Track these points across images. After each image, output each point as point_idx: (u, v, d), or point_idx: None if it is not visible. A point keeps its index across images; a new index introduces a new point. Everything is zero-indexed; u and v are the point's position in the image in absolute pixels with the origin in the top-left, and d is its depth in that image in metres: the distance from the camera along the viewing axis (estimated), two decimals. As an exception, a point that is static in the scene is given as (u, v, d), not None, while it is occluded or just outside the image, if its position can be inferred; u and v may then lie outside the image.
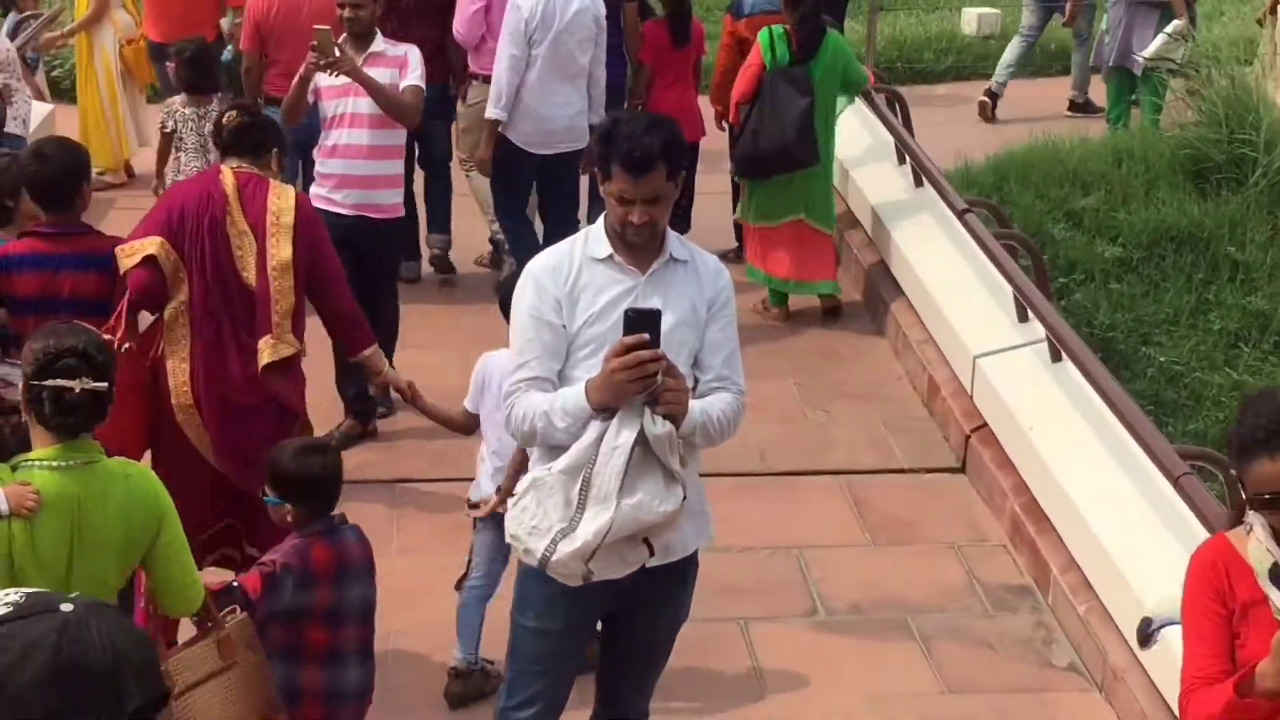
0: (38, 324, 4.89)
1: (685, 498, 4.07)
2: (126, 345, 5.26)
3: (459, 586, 5.54)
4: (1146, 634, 5.08)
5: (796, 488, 7.08)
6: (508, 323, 4.34)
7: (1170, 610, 4.09)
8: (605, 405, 4.01)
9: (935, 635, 5.99)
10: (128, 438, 5.33)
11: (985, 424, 7.11)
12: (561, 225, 8.21)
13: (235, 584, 4.41)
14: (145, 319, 5.55)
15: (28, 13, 11.02)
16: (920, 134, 9.39)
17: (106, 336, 5.11)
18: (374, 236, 7.21)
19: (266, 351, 5.46)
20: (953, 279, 8.09)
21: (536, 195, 8.69)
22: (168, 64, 8.86)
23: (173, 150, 7.98)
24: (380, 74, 7.23)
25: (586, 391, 4.03)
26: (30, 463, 3.81)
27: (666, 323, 4.04)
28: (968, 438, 7.17)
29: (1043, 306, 6.91)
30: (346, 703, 4.61)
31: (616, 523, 3.98)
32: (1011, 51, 12.72)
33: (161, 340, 5.48)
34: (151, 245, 5.38)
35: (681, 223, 8.67)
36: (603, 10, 8.30)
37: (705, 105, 9.46)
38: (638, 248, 4.19)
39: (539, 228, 8.68)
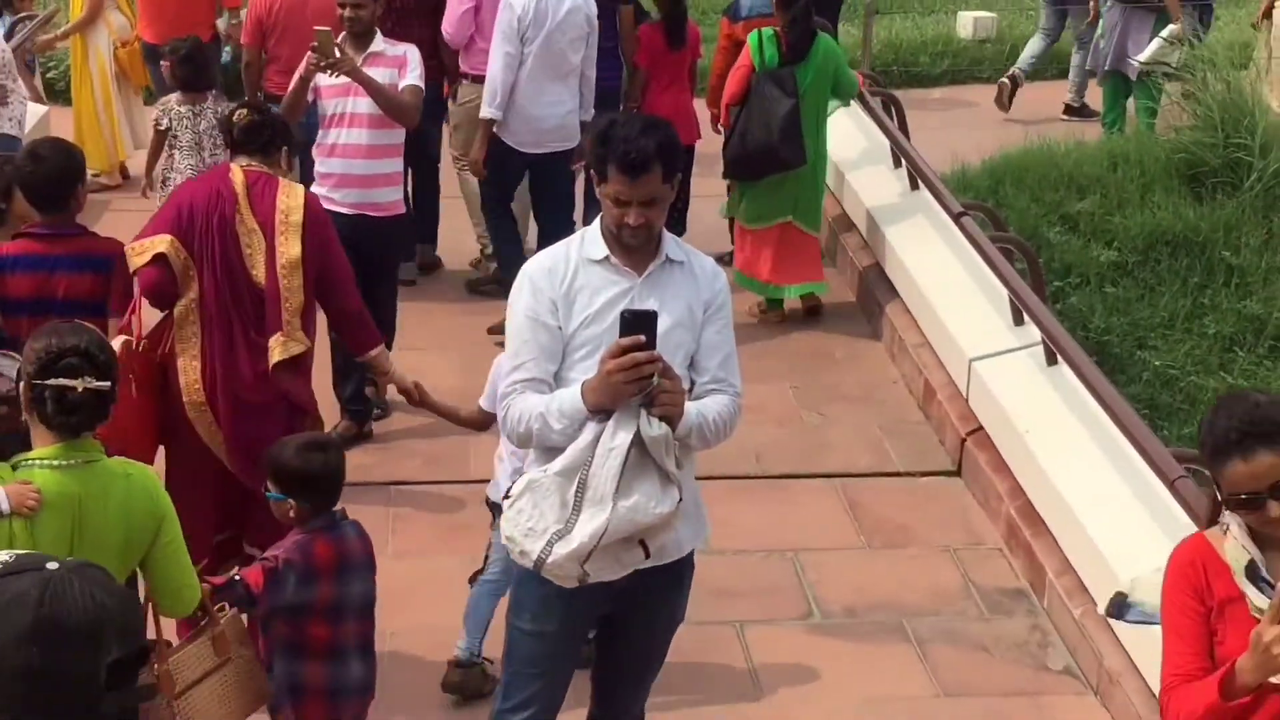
0: (32, 325, 4.89)
1: (681, 499, 4.07)
2: (142, 343, 5.32)
3: (473, 580, 5.54)
4: (1119, 611, 5.01)
5: (792, 490, 7.08)
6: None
7: (1145, 596, 4.09)
8: (601, 407, 4.00)
9: (930, 638, 5.99)
10: (139, 436, 5.39)
11: (981, 427, 7.11)
12: (555, 226, 8.21)
13: (238, 578, 4.42)
14: (151, 316, 5.57)
15: (23, 14, 11.01)
16: (916, 137, 9.41)
17: (124, 336, 5.26)
18: (374, 235, 7.22)
19: (277, 349, 5.47)
20: (948, 282, 8.09)
21: (530, 198, 8.70)
22: (162, 62, 8.88)
23: (167, 148, 8.01)
24: (380, 74, 7.26)
25: (583, 393, 4.02)
26: (31, 462, 3.81)
27: (663, 324, 4.04)
28: (963, 441, 7.17)
29: (1039, 310, 6.91)
30: (349, 697, 4.62)
31: (612, 524, 3.98)
32: (1035, 45, 12.71)
33: (169, 338, 5.49)
34: (161, 243, 5.39)
35: (677, 226, 8.67)
36: (594, 9, 8.32)
37: (701, 108, 9.46)
38: (634, 249, 4.19)
39: (534, 230, 8.69)
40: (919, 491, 7.10)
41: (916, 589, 6.31)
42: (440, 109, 8.93)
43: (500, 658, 4.56)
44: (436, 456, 7.20)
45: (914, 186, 9.05)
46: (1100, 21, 11.99)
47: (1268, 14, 11.07)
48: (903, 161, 9.18)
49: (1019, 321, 7.35)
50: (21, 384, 3.85)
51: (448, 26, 8.62)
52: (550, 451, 4.11)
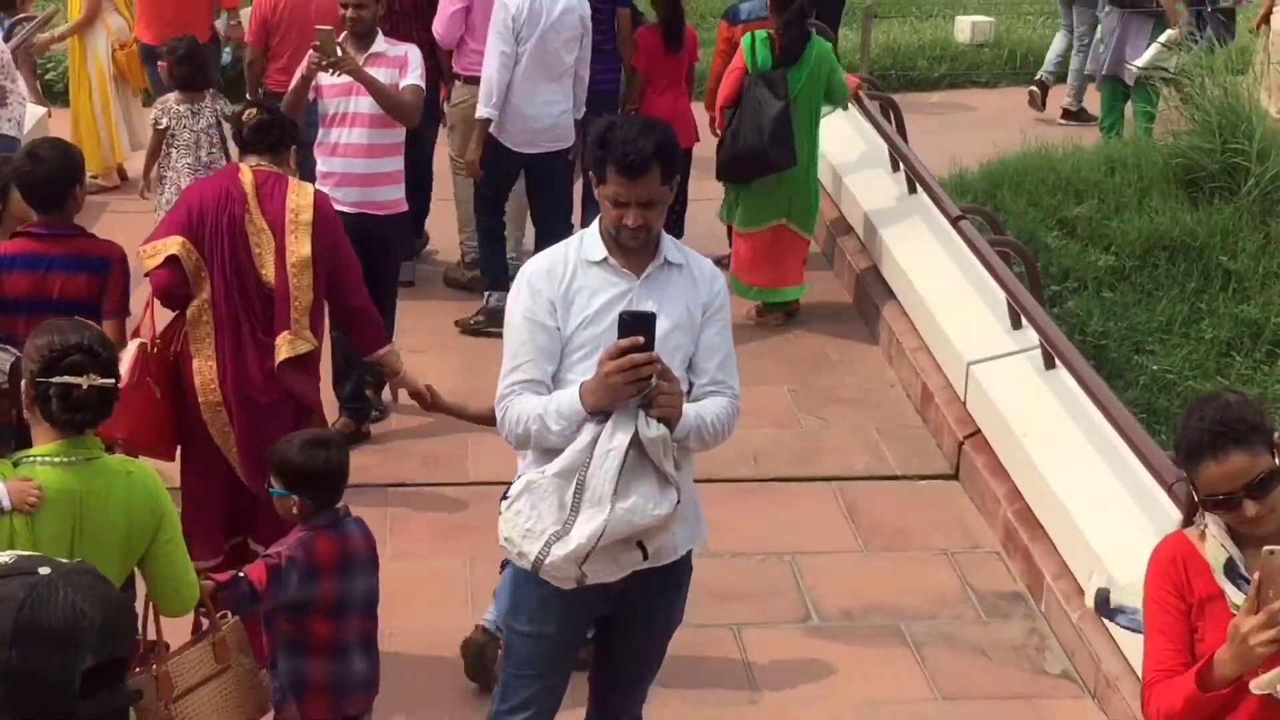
0: (29, 324, 4.89)
1: (680, 501, 4.06)
2: (156, 344, 5.38)
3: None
4: (1104, 608, 4.99)
5: (789, 493, 7.08)
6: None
7: (1136, 601, 4.10)
8: (600, 408, 4.00)
9: (928, 642, 5.99)
10: (156, 436, 5.47)
11: (978, 431, 7.12)
12: (552, 226, 8.26)
13: (241, 575, 4.42)
14: (162, 317, 5.61)
15: (21, 15, 11.01)
16: (914, 141, 9.41)
17: (139, 339, 5.34)
18: (376, 234, 7.23)
19: (285, 347, 5.47)
20: (946, 286, 8.09)
21: (527, 201, 8.71)
22: (160, 62, 8.90)
23: (165, 146, 8.07)
24: (381, 74, 7.29)
25: (581, 394, 4.02)
26: (32, 459, 3.80)
27: (661, 326, 4.04)
28: (961, 444, 7.18)
29: (1037, 313, 6.91)
30: (352, 693, 4.63)
31: (610, 526, 3.98)
32: (1058, 44, 12.72)
33: (181, 338, 5.51)
34: (173, 245, 5.41)
35: (675, 229, 8.68)
36: (588, 10, 8.34)
37: (699, 111, 9.47)
38: (633, 251, 4.19)
39: (531, 232, 8.69)
40: (916, 495, 7.10)
41: (914, 592, 6.31)
42: (436, 110, 8.94)
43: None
44: (435, 458, 7.21)
45: (912, 190, 9.06)
46: (1099, 26, 12.01)
47: (1265, 19, 11.09)
48: (901, 165, 9.19)
49: (1017, 325, 7.35)
50: (23, 381, 3.84)
51: (438, 27, 8.64)
52: (548, 453, 4.11)
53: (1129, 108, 11.56)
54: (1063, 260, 8.54)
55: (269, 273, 5.47)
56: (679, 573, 4.40)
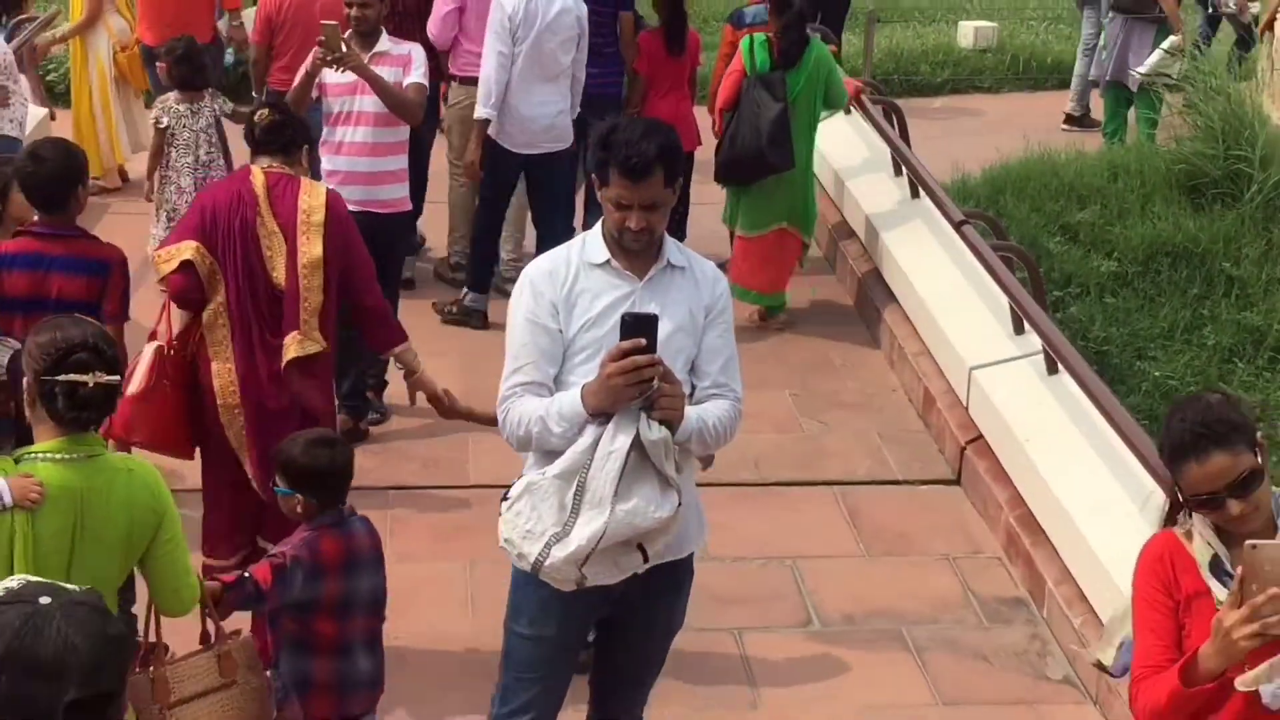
0: (25, 323, 4.90)
1: (681, 504, 4.05)
2: (173, 346, 5.43)
3: None
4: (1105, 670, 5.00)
5: (791, 498, 7.06)
6: None
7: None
8: (601, 410, 3.99)
9: (929, 647, 5.97)
10: (174, 436, 5.53)
11: (980, 436, 7.10)
12: (552, 227, 8.31)
13: (247, 574, 4.42)
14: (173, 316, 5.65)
15: (23, 16, 11.00)
16: (916, 147, 9.39)
17: (156, 342, 5.41)
18: (379, 232, 7.23)
19: (293, 347, 5.47)
20: (948, 291, 8.08)
21: (529, 204, 8.71)
22: (158, 64, 8.93)
23: (165, 146, 8.14)
24: (385, 72, 7.31)
25: (583, 396, 4.01)
26: (34, 455, 3.80)
27: (664, 329, 4.03)
28: (963, 449, 7.16)
29: (1039, 318, 6.89)
30: (357, 692, 4.63)
31: (610, 528, 3.97)
32: (1079, 64, 12.73)
33: (196, 339, 5.52)
34: (188, 250, 5.43)
35: (677, 232, 8.67)
36: (585, 11, 8.35)
37: (702, 115, 9.46)
38: (635, 253, 4.18)
39: (531, 234, 8.69)
40: (918, 500, 7.09)
41: (915, 597, 6.29)
42: (437, 111, 8.96)
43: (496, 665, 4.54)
44: (435, 460, 7.20)
45: (914, 194, 9.05)
46: (1102, 33, 12.02)
47: (1270, 26, 11.08)
48: (903, 169, 9.18)
49: (1019, 330, 7.35)
50: (25, 379, 3.83)
51: (432, 27, 8.66)
52: (550, 454, 4.10)
53: (1132, 113, 11.56)
54: (1065, 266, 8.53)
55: (280, 275, 5.47)
56: (680, 575, 4.39)
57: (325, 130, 7.42)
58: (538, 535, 4.04)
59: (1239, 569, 3.19)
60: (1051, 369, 6.93)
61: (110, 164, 10.63)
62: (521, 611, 4.34)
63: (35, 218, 5.53)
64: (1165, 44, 11.23)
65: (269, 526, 5.39)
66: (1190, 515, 3.49)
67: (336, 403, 7.07)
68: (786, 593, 6.31)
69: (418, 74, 7.40)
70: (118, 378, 3.82)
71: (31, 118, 9.16)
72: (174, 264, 5.43)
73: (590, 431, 4.01)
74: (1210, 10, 12.58)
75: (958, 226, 7.88)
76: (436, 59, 8.76)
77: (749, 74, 8.43)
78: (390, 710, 5.26)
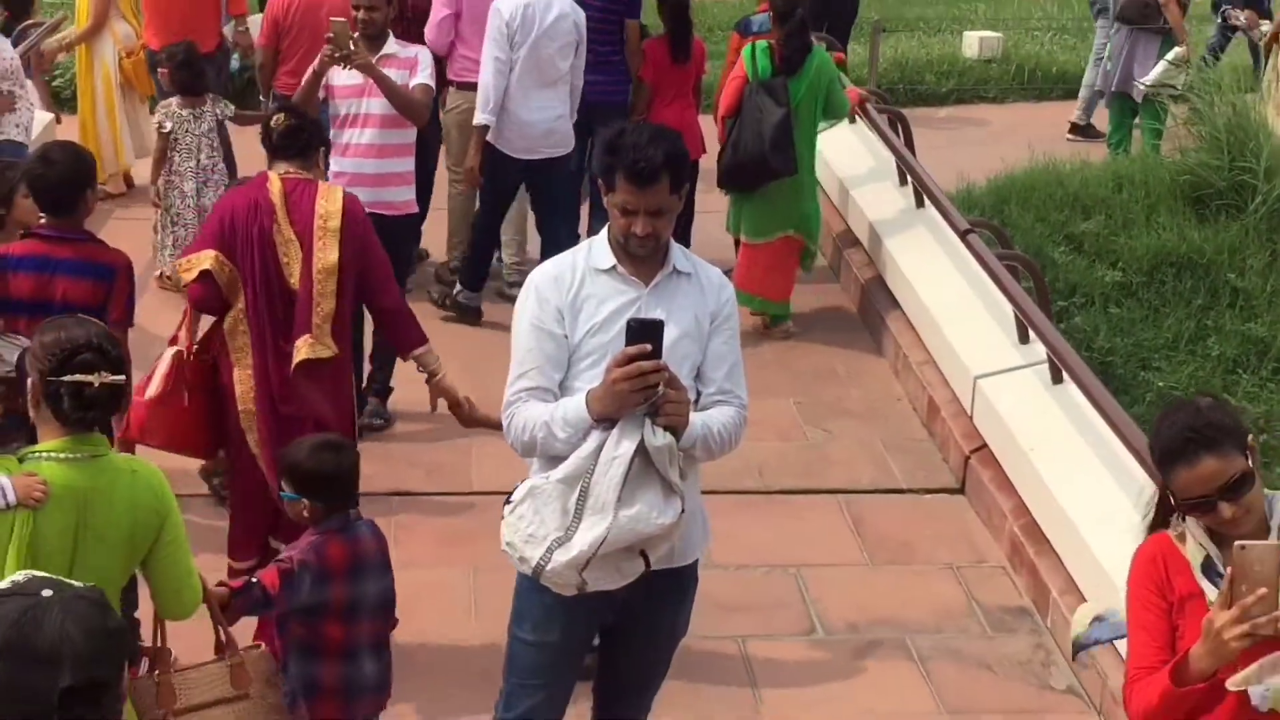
0: (29, 325, 4.90)
1: (684, 511, 4.05)
2: (194, 350, 5.52)
3: None
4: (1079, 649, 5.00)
5: (795, 506, 7.05)
6: None
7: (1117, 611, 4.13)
8: (606, 415, 3.98)
9: (933, 656, 5.96)
10: (192, 439, 5.62)
11: (985, 445, 7.10)
12: (555, 231, 8.36)
13: (254, 580, 4.41)
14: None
15: (30, 21, 11.02)
16: (921, 156, 9.39)
17: (175, 347, 5.50)
18: (386, 234, 7.22)
19: (303, 349, 5.49)
20: (953, 299, 8.08)
21: (532, 210, 8.72)
22: (159, 69, 8.96)
23: (168, 150, 8.26)
24: (391, 74, 7.35)
25: (587, 401, 4.01)
26: (38, 454, 3.80)
27: (669, 335, 4.02)
28: (967, 459, 7.15)
29: (1044, 327, 6.89)
30: (362, 696, 4.62)
31: (612, 533, 3.96)
32: (1088, 74, 12.73)
33: (219, 343, 5.57)
34: (206, 259, 5.48)
35: (682, 239, 8.66)
36: (583, 17, 8.38)
37: (707, 123, 9.46)
38: (641, 259, 4.17)
39: (534, 238, 8.75)
40: (922, 508, 7.08)
41: (919, 606, 6.28)
42: (439, 114, 8.99)
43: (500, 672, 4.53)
44: (438, 466, 7.19)
45: (919, 204, 9.05)
46: (1107, 44, 12.02)
47: (1276, 39, 11.08)
48: (908, 178, 9.18)
49: (1024, 339, 7.34)
50: (30, 379, 3.83)
51: (429, 32, 8.69)
52: (554, 460, 4.10)
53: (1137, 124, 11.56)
54: (1069, 276, 8.52)
55: (296, 282, 5.49)
56: (685, 582, 4.38)
57: (332, 132, 7.44)
58: (540, 539, 4.04)
59: (1228, 570, 3.23)
60: (1056, 378, 6.93)
61: (115, 169, 10.64)
62: (525, 617, 4.33)
63: (41, 221, 5.53)
64: (1170, 55, 11.23)
65: (284, 529, 5.40)
66: (1183, 518, 3.51)
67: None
68: (790, 601, 6.30)
69: (424, 75, 7.45)
70: (122, 378, 3.82)
71: (37, 123, 9.17)
72: (194, 273, 5.49)
73: (595, 437, 4.01)
74: (1224, 21, 12.57)
75: (963, 235, 7.88)
76: (440, 64, 8.79)
77: (751, 80, 8.44)
78: (395, 716, 5.24)
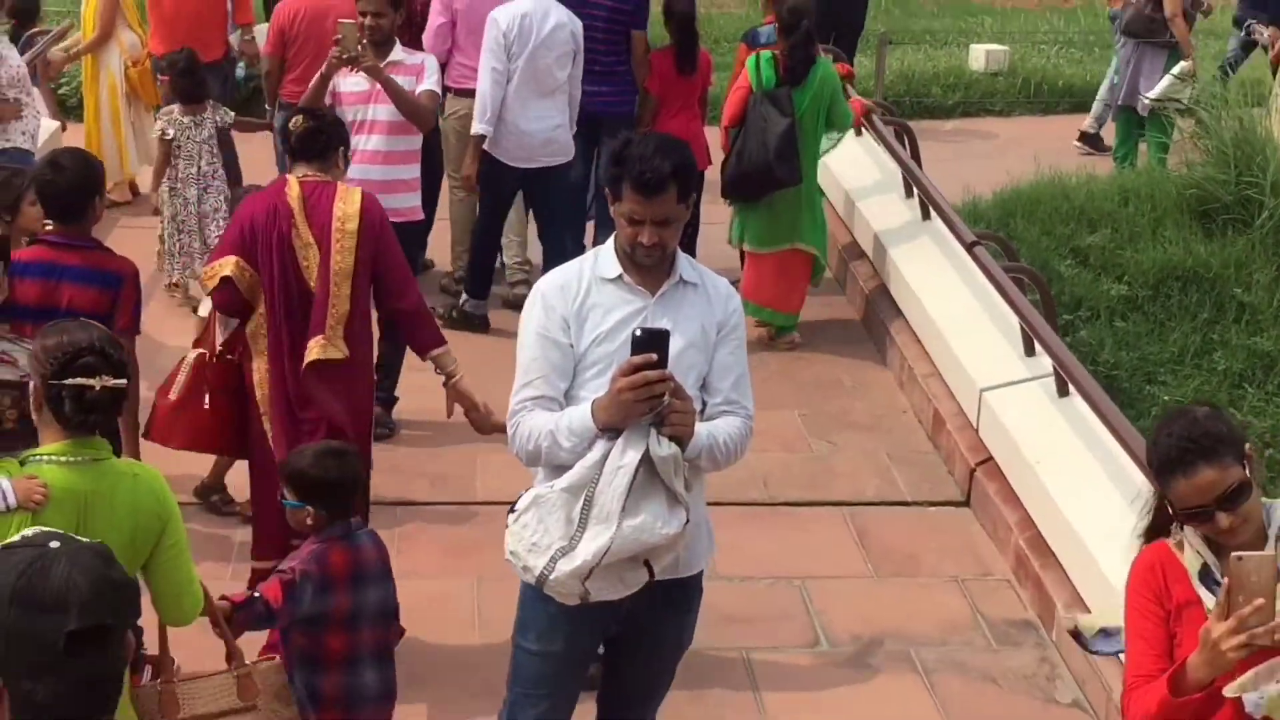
0: (35, 331, 4.87)
1: (689, 521, 4.03)
2: (219, 350, 5.63)
3: None
4: (1081, 641, 4.98)
5: (800, 518, 7.04)
6: None
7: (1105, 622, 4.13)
8: (611, 425, 3.97)
9: (938, 669, 5.94)
10: (213, 438, 5.77)
11: (990, 458, 7.08)
12: (555, 243, 8.40)
13: (257, 595, 4.40)
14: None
15: (35, 29, 11.04)
16: (927, 168, 9.39)
17: (198, 349, 5.67)
18: None
19: (314, 350, 5.52)
20: (959, 312, 8.07)
21: (533, 218, 8.78)
22: (160, 77, 8.99)
23: (171, 157, 8.36)
24: (398, 80, 7.36)
25: (593, 411, 4.00)
26: (39, 457, 3.79)
27: (675, 345, 4.01)
28: (973, 471, 7.14)
29: (1051, 339, 6.88)
30: (365, 705, 4.61)
31: (616, 543, 3.95)
32: (1104, 86, 12.73)
33: (242, 345, 5.64)
34: (228, 266, 5.55)
35: (687, 250, 8.64)
36: (580, 26, 8.40)
37: (713, 135, 9.45)
38: (648, 269, 4.17)
39: (537, 243, 8.78)
40: (927, 521, 7.06)
41: (924, 619, 6.26)
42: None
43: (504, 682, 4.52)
44: (442, 476, 7.18)
45: (925, 216, 9.04)
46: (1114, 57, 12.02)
47: (1280, 59, 11.08)
48: (914, 190, 9.18)
49: (1030, 352, 7.33)
50: (32, 383, 3.83)
51: (426, 38, 8.74)
52: (559, 469, 4.08)
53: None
54: (1075, 289, 8.51)
55: (314, 283, 5.52)
56: (690, 593, 4.37)
57: None
58: (543, 548, 4.02)
59: (1226, 580, 3.23)
60: (1062, 391, 6.91)
61: (120, 177, 10.65)
62: (529, 627, 4.32)
63: (47, 228, 5.53)
64: (1175, 69, 11.23)
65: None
66: (1181, 527, 3.52)
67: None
68: (794, 613, 6.28)
69: (430, 82, 7.49)
70: (124, 381, 3.81)
71: (43, 130, 9.18)
72: (215, 281, 5.56)
73: (600, 446, 4.00)
74: (1246, 35, 12.55)
75: (969, 247, 7.87)
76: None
77: (755, 90, 8.45)
78: (396, 725, 5.23)
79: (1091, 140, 12.49)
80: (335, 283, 5.49)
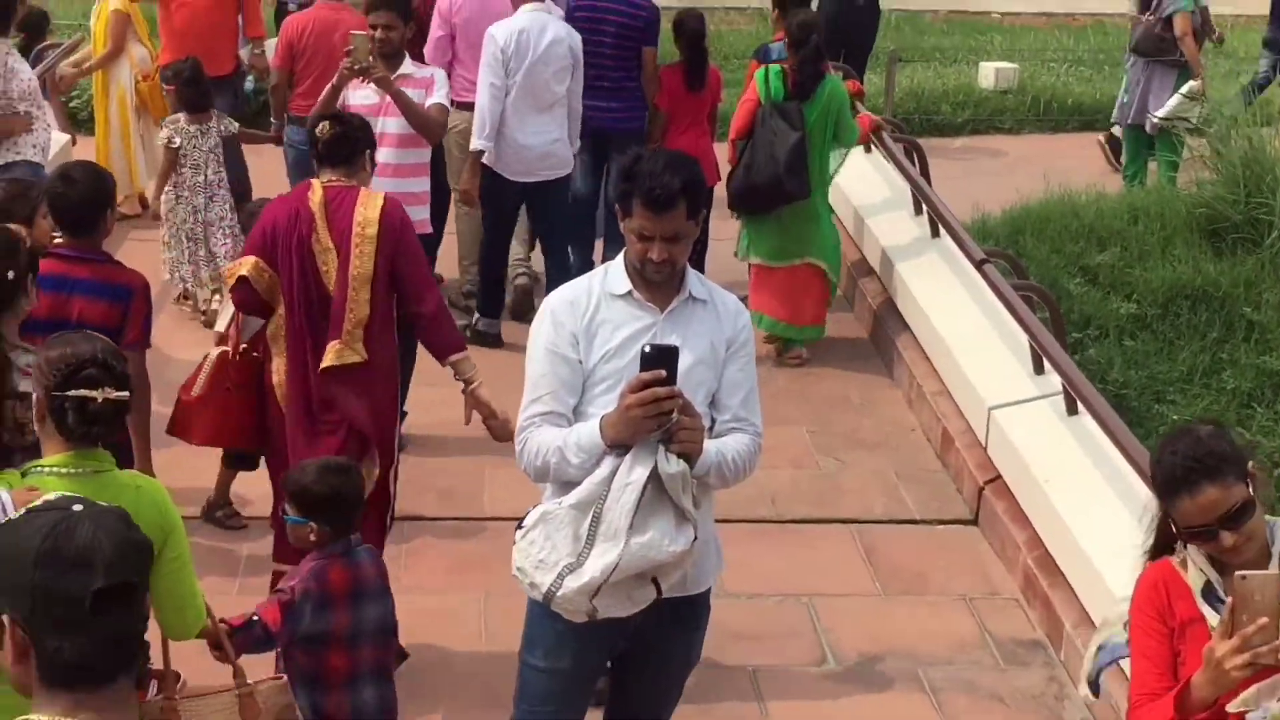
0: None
1: (697, 538, 4.02)
2: (241, 348, 5.74)
3: None
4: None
5: (808, 535, 7.03)
6: None
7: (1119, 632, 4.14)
8: (620, 441, 3.97)
9: (945, 688, 5.92)
10: (235, 432, 5.83)
11: (999, 476, 7.07)
12: (556, 253, 8.50)
13: (255, 618, 4.39)
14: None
15: (48, 42, 11.06)
16: (937, 186, 9.39)
17: (221, 348, 5.74)
18: None
19: (330, 355, 5.53)
20: (968, 330, 8.06)
21: (533, 232, 8.83)
22: (165, 86, 9.03)
23: (178, 166, 8.47)
24: (408, 93, 7.39)
25: (601, 427, 3.99)
26: (41, 469, 3.79)
27: (684, 361, 4.00)
28: (981, 490, 7.12)
29: (1060, 358, 6.87)
30: None
31: (624, 560, 3.94)
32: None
33: (264, 345, 5.69)
34: (245, 266, 5.60)
35: (696, 266, 8.63)
36: (578, 40, 8.43)
37: (722, 151, 9.45)
38: (657, 285, 4.16)
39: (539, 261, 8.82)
40: (935, 539, 7.05)
41: (932, 637, 6.25)
42: None
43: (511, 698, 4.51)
44: (450, 491, 7.17)
45: (934, 233, 9.04)
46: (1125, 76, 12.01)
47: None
48: (924, 207, 9.17)
49: (1039, 370, 7.32)
50: (35, 394, 3.82)
51: (427, 51, 8.77)
52: (567, 485, 4.07)
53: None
54: (1084, 307, 8.49)
55: (333, 288, 5.54)
56: (698, 610, 4.36)
57: None
58: (551, 565, 4.01)
59: (1229, 599, 3.24)
60: (1071, 409, 6.90)
61: (130, 191, 10.67)
62: (536, 644, 4.31)
63: (56, 241, 5.53)
64: (1184, 89, 11.22)
65: None
66: (1185, 545, 3.52)
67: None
68: (802, 630, 6.26)
69: (440, 95, 7.53)
70: (127, 393, 3.82)
71: (54, 143, 9.20)
72: (233, 279, 5.64)
73: (608, 463, 3.99)
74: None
75: (978, 265, 7.86)
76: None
77: (764, 102, 8.45)
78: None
79: (1114, 148, 12.45)
80: (353, 288, 5.51)
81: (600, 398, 4.10)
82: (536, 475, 4.20)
